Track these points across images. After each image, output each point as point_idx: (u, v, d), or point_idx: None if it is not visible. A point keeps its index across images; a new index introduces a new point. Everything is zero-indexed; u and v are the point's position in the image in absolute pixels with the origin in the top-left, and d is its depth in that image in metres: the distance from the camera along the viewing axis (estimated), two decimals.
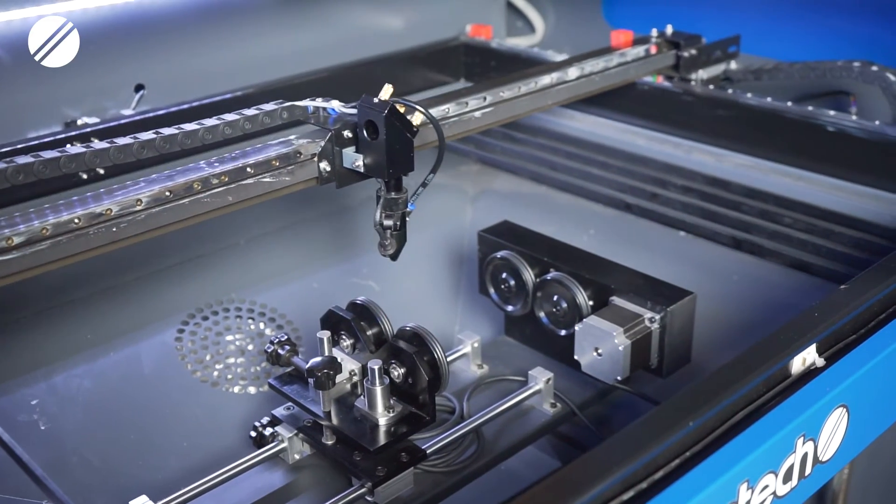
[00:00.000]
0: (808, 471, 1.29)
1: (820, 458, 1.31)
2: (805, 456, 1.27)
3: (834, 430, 1.31)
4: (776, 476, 1.23)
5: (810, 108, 2.11)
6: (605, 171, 2.36)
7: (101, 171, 1.52)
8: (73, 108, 2.18)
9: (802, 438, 1.26)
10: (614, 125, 2.44)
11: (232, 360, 2.12)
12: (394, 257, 1.63)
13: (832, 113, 2.07)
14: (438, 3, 2.79)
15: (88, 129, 2.01)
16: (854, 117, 2.09)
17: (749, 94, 2.21)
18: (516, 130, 2.54)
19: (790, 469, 1.25)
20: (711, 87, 2.27)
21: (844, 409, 1.32)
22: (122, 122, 2.07)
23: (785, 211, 2.05)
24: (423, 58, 2.68)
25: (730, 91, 2.25)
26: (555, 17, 2.89)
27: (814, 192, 2.05)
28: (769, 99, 2.16)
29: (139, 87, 2.25)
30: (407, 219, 1.62)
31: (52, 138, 1.97)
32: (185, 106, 2.17)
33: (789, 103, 2.14)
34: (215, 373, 2.10)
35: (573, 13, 2.86)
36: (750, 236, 2.07)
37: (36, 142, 1.95)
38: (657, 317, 1.75)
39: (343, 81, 2.46)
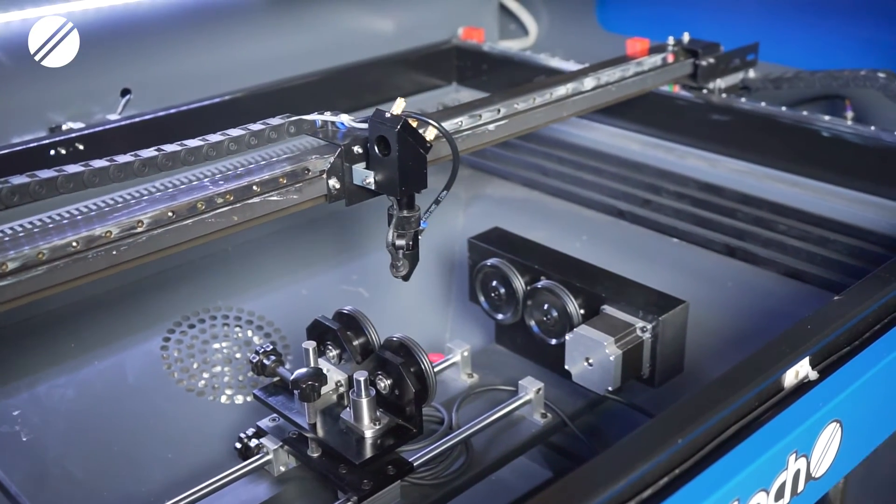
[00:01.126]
0: (800, 488, 1.27)
1: (813, 475, 1.28)
2: (797, 473, 1.25)
3: (827, 445, 1.29)
4: (768, 494, 1.20)
5: (805, 112, 2.08)
6: (597, 176, 2.33)
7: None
8: (58, 113, 2.15)
9: (795, 455, 1.23)
10: (607, 130, 2.42)
11: (219, 369, 2.09)
12: (406, 278, 1.59)
13: (827, 118, 2.05)
14: (430, 5, 2.76)
15: (74, 135, 1.97)
16: (849, 122, 2.06)
17: (743, 99, 2.18)
18: None
19: (782, 486, 1.23)
20: (725, 95, 2.23)
21: (838, 424, 1.29)
22: (109, 127, 2.04)
23: (779, 218, 2.02)
24: (414, 61, 2.65)
25: (724, 96, 2.22)
26: (548, 20, 2.86)
27: (809, 198, 2.03)
28: (763, 104, 2.13)
29: (125, 92, 2.22)
30: (419, 237, 1.57)
31: (36, 144, 1.93)
32: (174, 110, 2.14)
33: (784, 108, 2.11)
34: (202, 382, 2.06)
35: (566, 16, 2.83)
36: (744, 244, 2.04)
37: (21, 147, 1.91)
38: (649, 326, 1.73)
39: (334, 85, 2.45)
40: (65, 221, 1.34)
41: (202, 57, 2.37)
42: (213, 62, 2.38)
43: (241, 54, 2.42)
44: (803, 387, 1.31)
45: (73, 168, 1.35)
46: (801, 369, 1.32)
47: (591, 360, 1.73)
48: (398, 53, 2.62)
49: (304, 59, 2.45)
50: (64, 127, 2.10)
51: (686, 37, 2.22)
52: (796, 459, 1.23)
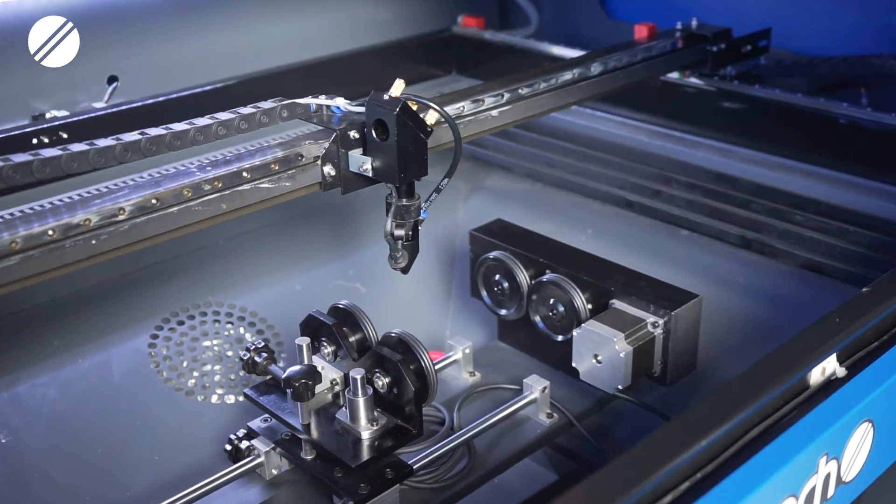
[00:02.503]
0: (830, 492, 1.19)
1: (843, 479, 1.20)
2: (828, 476, 1.17)
3: (859, 447, 1.21)
4: (797, 499, 1.12)
5: (822, 99, 2.02)
6: (604, 167, 2.28)
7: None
8: (42, 101, 2.09)
9: (825, 457, 1.15)
10: (613, 119, 2.37)
11: (209, 368, 2.04)
12: (405, 270, 1.53)
13: (845, 105, 2.00)
14: None
15: (58, 123, 1.92)
16: (868, 109, 2.00)
17: (756, 86, 2.12)
18: None
19: (811, 492, 1.14)
20: (737, 82, 2.18)
21: (870, 424, 1.22)
22: (94, 115, 1.98)
23: (795, 209, 1.97)
24: (413, 49, 2.61)
25: (735, 83, 2.15)
26: (550, 8, 2.80)
27: (826, 189, 1.98)
28: (777, 91, 2.07)
29: (112, 79, 2.16)
30: (419, 227, 1.51)
31: (18, 132, 1.87)
32: (162, 98, 2.08)
33: (799, 95, 2.05)
34: (191, 381, 2.01)
35: (570, 3, 2.79)
36: (759, 235, 1.99)
37: (1, 136, 1.85)
38: (661, 321, 1.67)
39: (328, 73, 2.39)
40: (46, 208, 1.26)
41: (193, 43, 2.33)
42: (204, 49, 2.34)
43: (234, 41, 2.37)
44: (830, 384, 1.24)
45: (49, 152, 1.28)
46: (829, 366, 1.24)
47: (599, 357, 1.68)
48: (396, 41, 2.57)
49: (298, 46, 2.40)
50: (48, 115, 2.04)
51: (694, 22, 2.17)
52: (827, 462, 1.16)
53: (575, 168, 2.32)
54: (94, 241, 1.25)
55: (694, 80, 2.19)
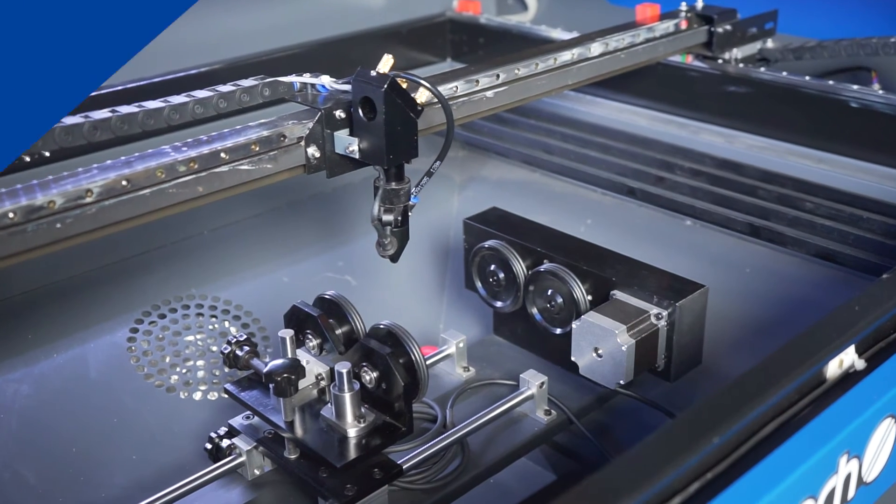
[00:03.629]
0: (850, 494, 1.12)
1: (864, 479, 1.12)
2: (848, 476, 1.09)
3: (881, 445, 1.13)
4: (816, 501, 1.05)
5: (831, 82, 1.95)
6: (604, 153, 2.22)
7: (47, 154, 1.33)
8: None
9: (846, 456, 1.07)
10: (614, 105, 2.30)
11: (192, 363, 1.98)
12: (394, 258, 1.48)
13: (855, 88, 1.92)
14: None
15: None
16: (881, 92, 1.92)
17: (762, 69, 2.05)
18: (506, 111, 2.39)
19: (831, 493, 1.07)
20: (742, 65, 2.11)
21: (893, 421, 1.14)
22: None
23: (805, 196, 1.90)
24: (405, 35, 2.54)
25: (740, 65, 2.08)
26: None
27: (837, 175, 1.90)
28: (784, 73, 2.00)
29: None
30: (409, 213, 1.45)
31: None
32: (144, 82, 2.03)
33: (807, 77, 1.98)
34: (173, 377, 1.95)
35: None
36: (767, 223, 1.92)
37: None
38: (664, 313, 1.61)
39: (317, 59, 2.34)
40: (5, 190, 1.19)
41: (177, 26, 2.15)
42: (189, 32, 2.23)
43: (219, 24, 2.30)
44: (849, 378, 1.17)
45: None
46: (847, 358, 1.17)
47: (600, 351, 1.61)
48: (387, 26, 2.51)
49: (286, 30, 2.34)
50: None
51: (700, 3, 2.09)
52: (848, 461, 1.08)
53: (574, 155, 2.26)
54: (58, 225, 1.19)
55: (697, 64, 2.12)
